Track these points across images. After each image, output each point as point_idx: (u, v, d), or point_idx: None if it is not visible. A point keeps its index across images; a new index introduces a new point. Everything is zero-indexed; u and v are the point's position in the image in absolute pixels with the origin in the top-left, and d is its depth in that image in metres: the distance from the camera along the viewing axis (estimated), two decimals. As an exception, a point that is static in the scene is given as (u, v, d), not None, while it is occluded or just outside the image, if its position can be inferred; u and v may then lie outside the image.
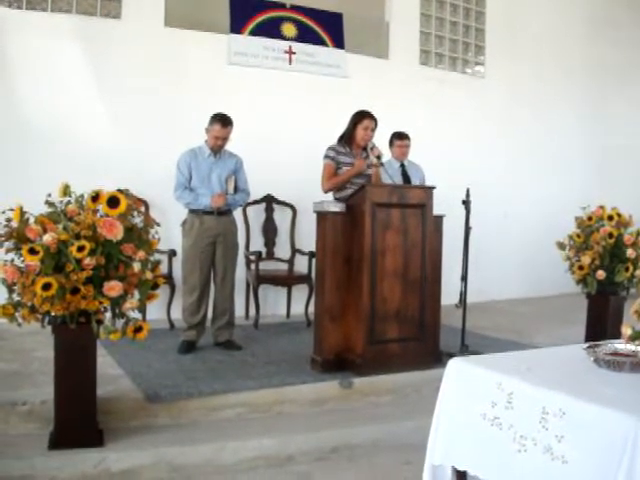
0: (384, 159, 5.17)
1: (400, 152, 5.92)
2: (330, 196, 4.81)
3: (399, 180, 5.75)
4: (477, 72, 8.06)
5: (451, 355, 3.85)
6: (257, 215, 6.46)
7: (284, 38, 6.72)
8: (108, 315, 3.22)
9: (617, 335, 2.56)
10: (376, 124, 4.77)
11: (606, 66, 8.58)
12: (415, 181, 5.87)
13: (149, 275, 3.23)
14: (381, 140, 4.85)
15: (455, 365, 2.40)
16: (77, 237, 2.99)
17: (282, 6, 6.77)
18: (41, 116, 5.68)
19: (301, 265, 6.21)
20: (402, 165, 5.95)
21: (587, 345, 2.44)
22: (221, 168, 4.89)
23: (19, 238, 3.05)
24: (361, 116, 4.76)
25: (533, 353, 2.76)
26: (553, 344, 3.10)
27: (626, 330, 2.39)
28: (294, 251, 6.46)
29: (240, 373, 4.27)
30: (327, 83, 6.80)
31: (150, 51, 6.08)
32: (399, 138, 5.92)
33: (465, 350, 4.85)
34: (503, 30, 7.98)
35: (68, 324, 3.06)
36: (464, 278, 5.09)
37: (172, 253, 5.64)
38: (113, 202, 3.10)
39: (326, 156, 4.76)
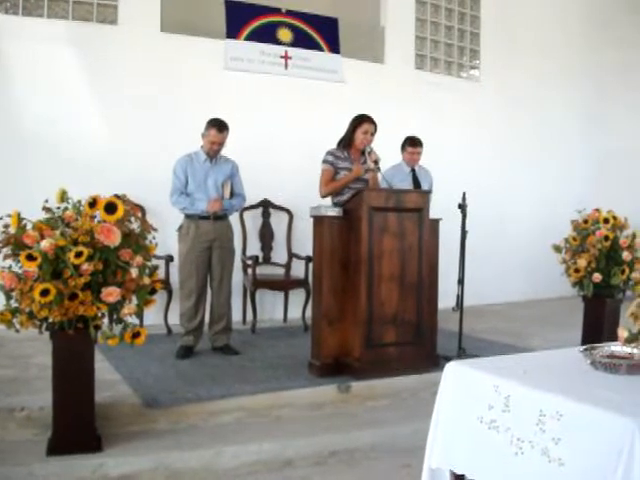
0: (393, 162, 5.11)
1: (411, 159, 5.91)
2: (327, 200, 4.82)
3: (409, 184, 5.77)
4: (472, 76, 8.09)
5: (448, 359, 3.83)
6: (254, 220, 6.47)
7: (280, 43, 6.73)
8: (106, 321, 3.22)
9: (613, 338, 2.57)
10: (376, 128, 4.78)
11: (604, 68, 8.60)
12: (425, 186, 5.86)
13: (147, 280, 3.23)
14: (378, 144, 4.85)
15: (452, 369, 2.41)
16: (75, 243, 3.00)
17: (278, 11, 6.78)
18: (37, 121, 5.68)
19: (298, 269, 6.22)
20: (413, 170, 5.96)
21: (584, 348, 2.45)
22: (217, 173, 4.90)
23: (17, 244, 3.05)
24: (361, 120, 4.77)
25: (530, 356, 2.77)
26: (550, 347, 3.11)
27: (622, 332, 2.40)
28: (291, 255, 6.46)
29: (238, 378, 4.27)
30: (323, 88, 6.81)
31: (146, 56, 6.09)
32: (412, 145, 5.89)
33: (462, 353, 4.86)
34: (498, 34, 8.00)
35: (66, 330, 3.07)
36: (461, 281, 5.10)
37: (169, 258, 5.63)
38: (110, 208, 3.10)
39: (324, 161, 4.76)
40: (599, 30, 8.64)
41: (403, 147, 5.96)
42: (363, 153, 4.78)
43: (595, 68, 8.62)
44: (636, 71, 8.87)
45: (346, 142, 4.82)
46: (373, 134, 4.78)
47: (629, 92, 8.85)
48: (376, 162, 4.70)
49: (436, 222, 4.71)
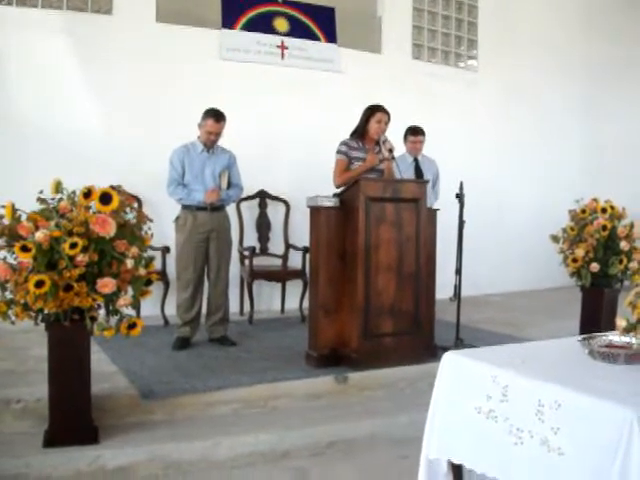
0: (397, 153, 5.13)
1: (413, 147, 5.90)
2: (323, 191, 4.77)
3: (411, 175, 5.74)
4: (470, 66, 8.06)
5: (446, 349, 3.82)
6: (251, 211, 6.45)
7: (276, 33, 6.70)
8: (102, 312, 3.20)
9: (611, 327, 2.56)
10: (389, 117, 4.74)
11: (601, 60, 8.55)
12: (428, 176, 5.81)
13: (142, 271, 3.21)
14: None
15: (450, 359, 2.40)
16: (69, 234, 2.97)
17: (274, 1, 6.74)
18: (32, 112, 5.64)
19: (295, 260, 6.20)
20: (415, 159, 5.94)
21: (582, 337, 2.44)
22: (214, 163, 4.88)
23: (11, 235, 3.03)
24: (374, 110, 4.73)
25: (528, 346, 2.76)
26: (548, 337, 3.10)
27: (620, 322, 2.38)
28: (288, 246, 6.45)
29: (235, 369, 4.26)
30: (320, 78, 6.78)
31: (142, 47, 6.04)
32: (413, 134, 5.89)
33: (460, 344, 4.85)
34: (496, 24, 7.97)
35: (62, 321, 3.05)
36: (458, 271, 5.09)
37: (165, 249, 5.62)
38: (106, 199, 3.08)
39: (338, 151, 4.72)
40: (598, 22, 8.59)
41: (405, 137, 5.94)
42: (377, 143, 4.75)
43: (593, 60, 8.57)
44: (634, 64, 8.83)
45: (360, 132, 4.79)
46: (387, 123, 4.74)
47: (627, 85, 8.81)
48: (391, 151, 4.66)
49: (434, 212, 4.69)
